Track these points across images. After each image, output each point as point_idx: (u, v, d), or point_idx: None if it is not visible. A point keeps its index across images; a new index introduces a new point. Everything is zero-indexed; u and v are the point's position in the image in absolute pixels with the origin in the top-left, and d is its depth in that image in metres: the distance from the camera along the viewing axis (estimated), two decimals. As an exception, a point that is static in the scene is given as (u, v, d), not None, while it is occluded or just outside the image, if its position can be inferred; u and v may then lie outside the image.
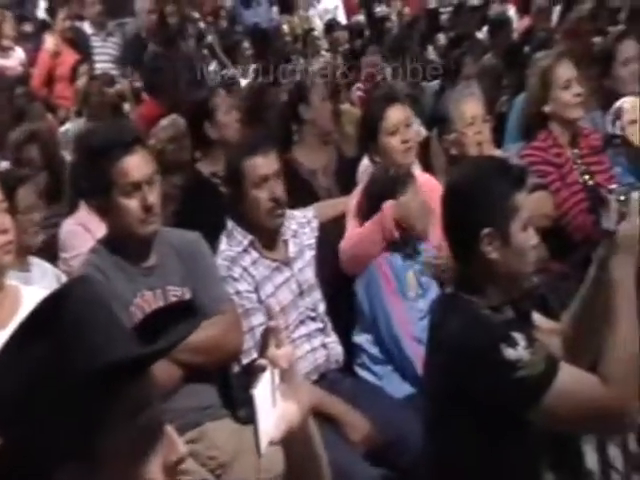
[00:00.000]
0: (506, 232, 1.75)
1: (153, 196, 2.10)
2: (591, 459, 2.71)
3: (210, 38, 6.50)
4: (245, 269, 2.44)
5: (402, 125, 2.88)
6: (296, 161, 3.50)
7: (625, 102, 3.20)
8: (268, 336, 1.14)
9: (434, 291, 2.55)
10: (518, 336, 1.64)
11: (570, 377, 1.64)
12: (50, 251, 2.77)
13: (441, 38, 6.53)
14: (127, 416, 0.88)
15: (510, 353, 1.61)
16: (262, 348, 1.14)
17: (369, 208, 2.62)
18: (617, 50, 3.41)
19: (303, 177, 3.46)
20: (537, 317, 1.93)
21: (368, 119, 2.98)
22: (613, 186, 1.86)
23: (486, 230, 1.74)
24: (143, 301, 2.11)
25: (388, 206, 2.57)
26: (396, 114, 2.87)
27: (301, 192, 3.21)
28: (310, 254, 2.63)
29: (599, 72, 3.50)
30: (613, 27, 5.76)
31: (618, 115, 3.18)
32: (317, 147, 3.58)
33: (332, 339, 2.56)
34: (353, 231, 2.66)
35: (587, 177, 3.09)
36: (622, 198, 1.74)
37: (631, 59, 3.39)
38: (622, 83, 3.37)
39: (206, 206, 2.85)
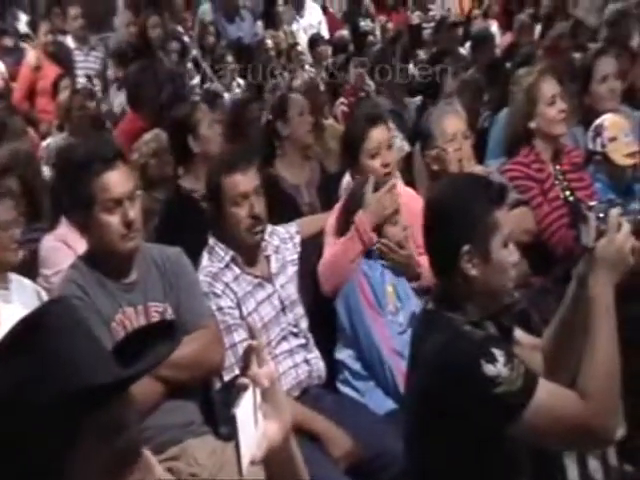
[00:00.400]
0: (486, 249, 1.76)
1: (134, 212, 2.10)
2: (572, 472, 2.73)
3: (194, 52, 6.52)
4: (227, 285, 2.45)
5: (384, 147, 2.88)
6: (279, 176, 3.52)
7: (605, 119, 3.24)
8: (250, 355, 1.14)
9: (413, 304, 2.57)
10: (497, 352, 1.65)
11: (548, 393, 1.66)
12: (30, 267, 2.75)
13: (421, 54, 6.58)
14: (103, 439, 0.88)
15: (489, 369, 1.63)
16: (244, 367, 1.14)
17: (347, 224, 2.64)
18: (595, 67, 3.45)
19: (286, 192, 3.48)
20: (519, 333, 1.95)
21: (350, 139, 2.97)
22: (593, 203, 1.88)
23: (466, 247, 1.76)
24: (124, 317, 2.11)
25: (360, 214, 2.61)
26: (378, 136, 2.87)
27: (284, 207, 3.23)
28: (292, 270, 2.64)
29: (579, 89, 3.55)
30: (593, 44, 5.86)
31: (598, 132, 3.22)
32: (299, 162, 3.61)
33: (314, 355, 2.56)
34: (328, 253, 2.67)
35: (568, 193, 3.13)
36: (601, 215, 1.77)
37: (609, 76, 3.42)
38: (601, 100, 3.41)
39: (188, 222, 2.85)
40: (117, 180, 2.09)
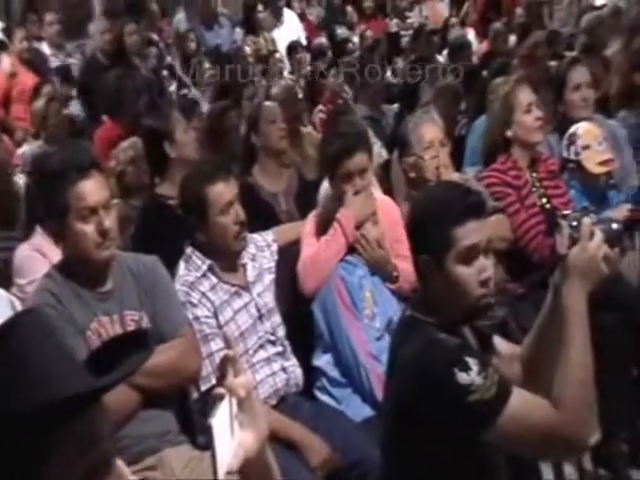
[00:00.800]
0: (441, 262, 1.77)
1: (109, 220, 2.10)
2: (547, 477, 2.75)
3: (169, 59, 6.51)
4: (204, 294, 2.45)
5: (357, 175, 2.75)
6: (256, 185, 3.53)
7: (579, 128, 3.28)
8: (225, 365, 1.15)
9: (391, 310, 2.58)
10: (471, 361, 1.67)
11: (522, 402, 1.67)
12: (3, 277, 2.73)
13: (399, 61, 6.62)
14: (76, 450, 0.88)
15: (463, 377, 1.64)
16: (220, 377, 1.15)
17: (328, 226, 2.66)
18: (568, 76, 3.49)
19: (264, 200, 3.49)
20: (498, 341, 1.96)
21: (328, 160, 2.81)
22: (567, 212, 1.89)
23: (424, 257, 1.80)
24: (100, 326, 2.11)
25: (341, 212, 2.62)
26: (358, 162, 2.74)
27: (263, 216, 3.23)
28: (269, 278, 2.65)
29: (553, 97, 3.59)
30: (569, 52, 5.93)
31: (572, 140, 3.26)
32: (277, 170, 3.62)
33: (292, 363, 2.57)
34: (308, 250, 2.68)
35: (545, 200, 3.16)
36: (574, 223, 1.78)
37: (582, 85, 3.47)
38: (574, 108, 3.45)
39: (164, 230, 2.85)
40: (92, 189, 2.09)
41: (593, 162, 3.21)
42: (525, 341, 1.94)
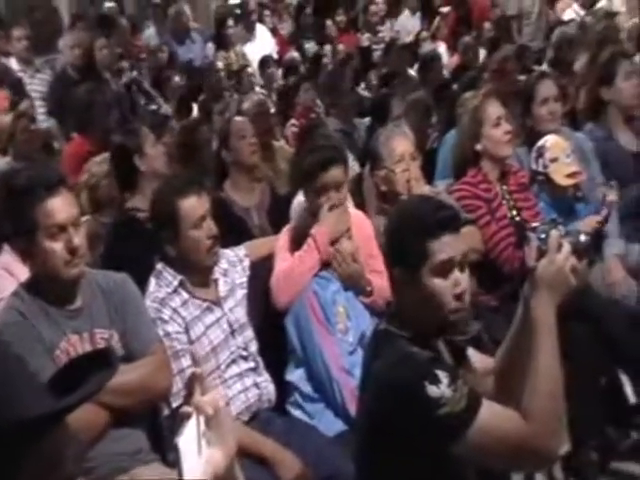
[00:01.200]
0: (416, 276, 1.79)
1: (79, 238, 2.09)
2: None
3: (134, 74, 6.49)
4: (175, 310, 2.44)
5: (333, 188, 2.75)
6: (229, 199, 3.54)
7: (547, 140, 3.34)
8: (193, 383, 1.15)
9: (364, 324, 2.59)
10: (441, 374, 1.68)
11: (492, 414, 1.69)
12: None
13: (372, 76, 6.67)
14: (38, 472, 0.87)
15: (433, 391, 1.66)
16: (187, 395, 1.15)
17: (302, 241, 2.67)
18: (536, 90, 3.55)
19: (236, 215, 3.49)
20: (472, 353, 1.98)
21: (307, 173, 2.79)
22: (535, 224, 1.92)
23: (397, 270, 1.81)
24: (69, 345, 2.09)
25: (315, 228, 2.64)
26: (334, 176, 2.75)
27: (235, 230, 3.24)
28: (242, 293, 2.65)
29: (522, 111, 3.64)
30: (538, 66, 6.03)
31: (540, 153, 3.31)
32: (249, 185, 3.63)
33: (264, 378, 2.57)
34: (282, 265, 2.68)
35: (515, 213, 3.20)
36: (542, 236, 1.80)
37: (549, 99, 3.52)
38: (542, 122, 3.50)
39: (135, 246, 2.83)
40: (61, 206, 2.08)
41: (561, 174, 3.26)
42: (498, 354, 1.96)
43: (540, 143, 3.33)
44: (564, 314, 1.81)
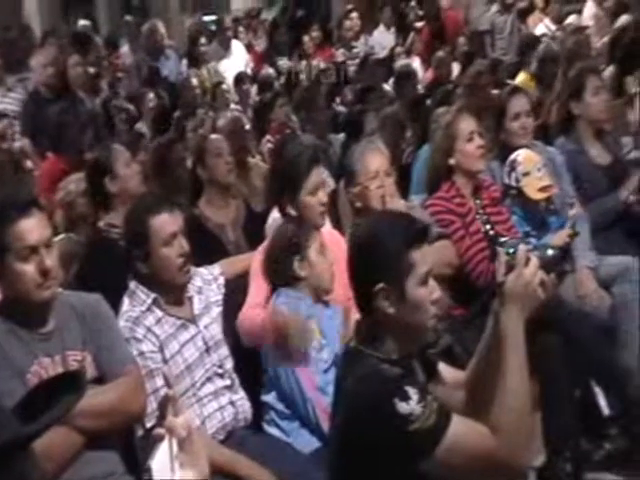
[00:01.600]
0: (401, 288, 1.81)
1: (51, 259, 2.09)
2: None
3: (105, 92, 6.49)
4: (149, 329, 2.45)
5: (321, 187, 2.91)
6: (203, 216, 3.55)
7: (519, 155, 3.38)
8: (166, 405, 1.15)
9: (339, 340, 2.60)
10: (411, 390, 1.70)
11: (461, 429, 1.71)
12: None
13: (347, 91, 6.72)
14: None
15: (403, 407, 1.67)
16: (160, 417, 1.15)
17: (271, 269, 2.67)
18: (508, 105, 3.60)
19: (211, 232, 3.51)
20: (443, 367, 2.00)
21: (291, 171, 2.91)
22: (504, 239, 1.95)
23: (381, 285, 1.81)
24: (40, 368, 2.08)
25: (280, 311, 2.58)
26: (318, 175, 2.90)
27: (210, 248, 3.25)
28: (217, 311, 2.66)
29: (494, 125, 3.70)
30: (511, 80, 6.11)
31: (513, 167, 3.36)
32: (224, 202, 3.64)
33: (240, 396, 2.57)
34: (250, 311, 2.65)
35: (488, 227, 3.24)
36: (511, 251, 1.83)
37: (521, 114, 3.57)
38: (514, 136, 3.55)
39: (110, 265, 2.83)
40: (32, 227, 2.07)
41: (533, 188, 3.31)
42: (468, 367, 1.98)
43: (512, 157, 3.38)
44: (538, 327, 1.84)
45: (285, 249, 2.64)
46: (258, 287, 2.71)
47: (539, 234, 3.29)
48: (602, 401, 3.03)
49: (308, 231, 2.68)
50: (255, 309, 2.65)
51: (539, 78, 5.53)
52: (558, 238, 3.22)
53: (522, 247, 1.82)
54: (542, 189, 3.31)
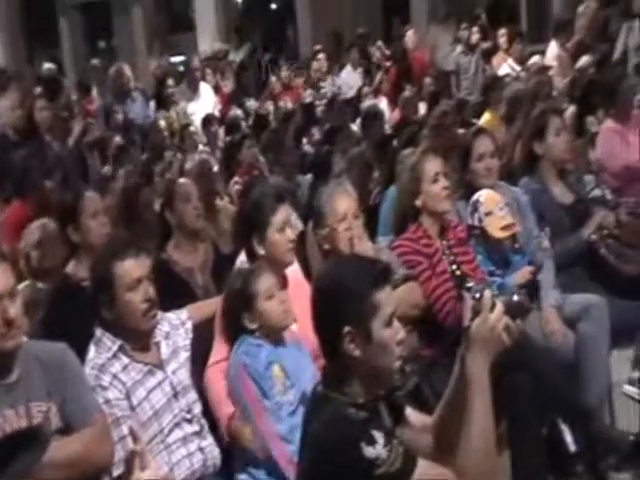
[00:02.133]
0: (367, 330, 1.85)
1: (15, 309, 2.09)
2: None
3: (76, 132, 6.51)
4: (115, 376, 2.45)
5: (288, 223, 2.98)
6: (171, 260, 3.57)
7: (481, 195, 3.46)
8: (132, 461, 1.17)
9: (307, 379, 2.62)
10: (377, 434, 1.73)
11: (427, 473, 1.74)
12: None
13: (315, 132, 6.83)
14: None
15: (369, 451, 1.70)
16: (126, 472, 1.17)
17: (225, 322, 2.70)
18: (473, 146, 3.69)
19: (179, 276, 3.53)
20: (410, 411, 2.03)
21: (256, 212, 2.97)
22: (470, 284, 1.99)
23: (347, 328, 1.84)
24: (4, 421, 2.05)
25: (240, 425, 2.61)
26: (284, 212, 2.97)
27: (178, 292, 3.27)
28: (185, 355, 2.68)
29: (460, 166, 3.78)
30: (477, 119, 6.27)
31: (475, 207, 3.44)
32: (192, 245, 3.67)
33: (209, 442, 2.58)
34: (214, 377, 2.67)
35: (455, 267, 3.29)
36: (477, 295, 1.87)
37: (485, 155, 3.66)
38: (479, 177, 3.64)
39: (76, 313, 2.84)
40: None
41: (495, 227, 3.38)
42: (435, 411, 2.01)
43: (474, 198, 3.46)
44: (505, 365, 1.89)
45: (234, 304, 2.68)
46: (221, 338, 2.73)
47: (503, 273, 3.37)
48: (568, 438, 3.08)
49: (261, 275, 2.70)
50: (219, 373, 2.67)
51: (508, 119, 5.65)
52: (521, 276, 3.31)
53: (488, 292, 1.86)
54: (504, 228, 3.38)
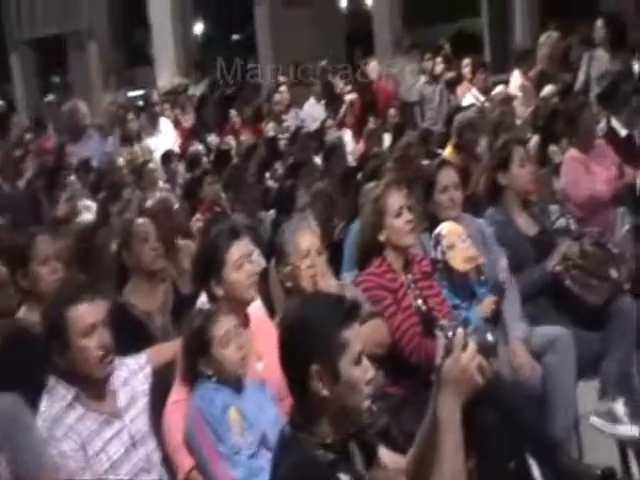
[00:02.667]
0: (335, 368, 1.87)
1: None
2: None
3: (29, 172, 6.50)
4: (70, 427, 2.44)
5: (246, 260, 2.98)
6: (129, 304, 3.56)
7: (443, 228, 3.51)
8: None
9: (268, 416, 2.62)
10: (344, 477, 1.75)
11: None
12: None
13: (279, 166, 6.89)
14: None
15: None
16: None
17: (187, 367, 2.72)
18: (436, 178, 3.76)
19: (138, 320, 3.52)
20: (384, 452, 2.04)
21: (211, 252, 2.99)
22: (443, 322, 2.02)
23: (315, 367, 1.87)
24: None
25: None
26: (241, 248, 2.97)
27: (136, 336, 3.26)
28: (143, 401, 2.67)
29: (423, 197, 3.85)
30: (441, 150, 6.38)
31: (438, 240, 3.48)
32: (150, 287, 3.66)
33: (168, 491, 2.57)
34: (173, 418, 2.68)
35: (420, 302, 3.33)
36: (449, 334, 1.88)
37: (449, 187, 3.72)
38: (443, 209, 3.69)
39: (27, 361, 2.82)
40: None
41: (459, 260, 3.43)
42: (409, 452, 2.02)
43: (436, 231, 3.50)
44: (475, 400, 1.92)
45: (191, 348, 2.69)
46: (181, 379, 2.74)
47: (469, 306, 3.43)
48: (536, 471, 3.12)
49: (218, 319, 2.70)
50: (177, 414, 2.67)
51: (459, 147, 5.77)
52: (485, 307, 3.37)
53: (460, 331, 1.88)
54: (468, 260, 3.43)
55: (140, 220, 3.87)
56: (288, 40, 10.52)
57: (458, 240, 3.46)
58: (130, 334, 3.04)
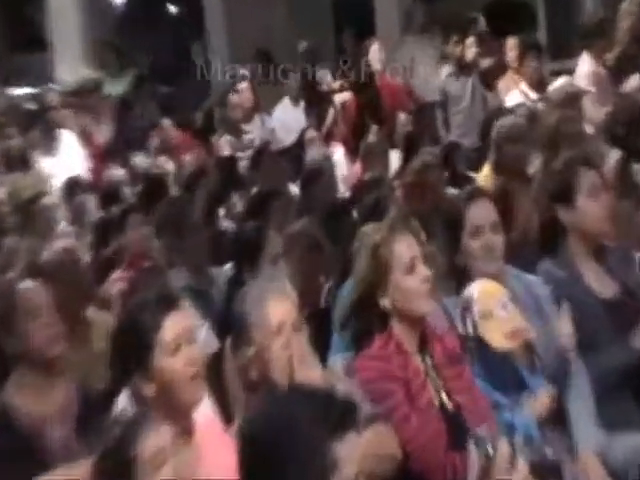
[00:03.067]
0: None
1: None
2: None
3: None
4: None
5: (184, 340, 2.97)
6: (13, 407, 3.54)
7: (474, 290, 3.51)
8: None
9: None
10: None
11: None
12: None
13: (236, 198, 6.90)
14: None
15: None
16: None
17: None
18: (466, 216, 3.77)
19: (25, 431, 3.50)
20: None
21: (137, 332, 2.99)
22: (478, 430, 2.04)
23: None
24: None
25: None
26: (177, 325, 2.97)
27: (22, 454, 3.26)
28: None
29: (448, 243, 3.86)
30: (475, 172, 6.44)
31: (467, 308, 3.49)
32: (44, 382, 3.65)
33: None
34: None
35: (445, 398, 3.32)
36: (489, 449, 1.93)
37: (484, 228, 3.72)
38: (473, 260, 3.70)
39: None
40: None
41: (498, 334, 3.43)
42: None
43: (466, 294, 3.51)
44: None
45: (107, 474, 2.69)
46: None
47: (515, 404, 3.42)
48: None
49: (146, 433, 2.71)
50: None
51: (500, 168, 5.78)
52: (540, 405, 3.37)
53: (503, 445, 1.93)
54: (512, 335, 3.44)
55: (29, 283, 3.87)
56: (251, 15, 10.54)
57: (497, 306, 3.48)
58: (13, 452, 3.04)
